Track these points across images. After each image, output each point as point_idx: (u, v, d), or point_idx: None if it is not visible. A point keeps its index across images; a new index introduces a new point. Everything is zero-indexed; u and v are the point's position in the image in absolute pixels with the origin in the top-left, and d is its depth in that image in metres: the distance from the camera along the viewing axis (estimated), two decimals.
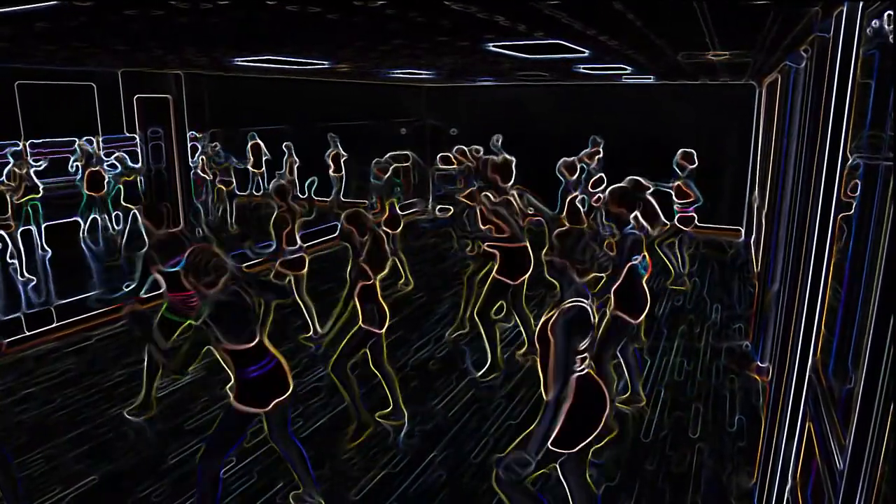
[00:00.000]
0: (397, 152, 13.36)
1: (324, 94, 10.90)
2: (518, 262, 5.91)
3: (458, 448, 4.82)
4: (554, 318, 3.13)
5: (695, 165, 8.14)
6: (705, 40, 4.70)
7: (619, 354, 5.15)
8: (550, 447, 3.15)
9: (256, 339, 3.64)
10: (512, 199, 6.12)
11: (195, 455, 4.71)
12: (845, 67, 2.84)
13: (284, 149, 12.47)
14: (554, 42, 4.81)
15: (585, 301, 3.16)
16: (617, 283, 4.67)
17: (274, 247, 6.54)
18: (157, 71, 7.88)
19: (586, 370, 3.23)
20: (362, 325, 4.79)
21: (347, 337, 4.85)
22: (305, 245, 6.81)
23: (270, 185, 6.68)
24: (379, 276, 4.79)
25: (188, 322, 5.04)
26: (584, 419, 3.23)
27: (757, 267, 8.23)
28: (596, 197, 7.55)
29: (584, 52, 5.55)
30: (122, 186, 9.82)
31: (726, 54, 5.81)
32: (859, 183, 2.78)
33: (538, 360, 3.26)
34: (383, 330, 4.87)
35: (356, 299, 4.74)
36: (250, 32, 4.27)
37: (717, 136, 11.31)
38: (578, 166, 8.02)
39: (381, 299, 4.81)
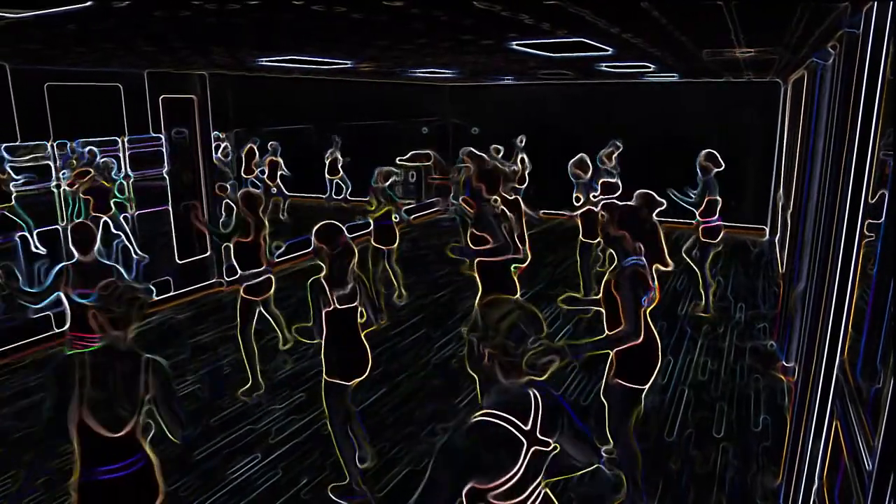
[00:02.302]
0: (419, 151, 13.42)
1: (346, 93, 10.96)
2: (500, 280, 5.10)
3: None
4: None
5: (721, 168, 7.24)
6: (731, 37, 4.66)
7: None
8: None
9: (127, 429, 2.80)
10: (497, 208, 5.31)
11: (221, 451, 4.78)
12: (875, 64, 2.81)
13: (270, 147, 12.50)
14: (577, 40, 4.80)
15: (507, 417, 2.02)
16: (640, 336, 3.57)
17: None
18: (181, 71, 7.98)
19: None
20: (325, 378, 4.05)
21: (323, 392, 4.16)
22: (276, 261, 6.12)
23: (239, 193, 5.75)
24: (349, 305, 3.98)
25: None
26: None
27: (782, 266, 8.14)
28: (600, 204, 5.85)
29: (607, 50, 5.54)
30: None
31: (752, 51, 5.76)
32: (889, 181, 2.75)
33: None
34: (355, 381, 4.12)
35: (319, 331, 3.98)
36: (276, 32, 4.31)
37: (742, 135, 11.20)
38: (590, 165, 7.56)
39: (358, 335, 4.07)
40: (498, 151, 10.81)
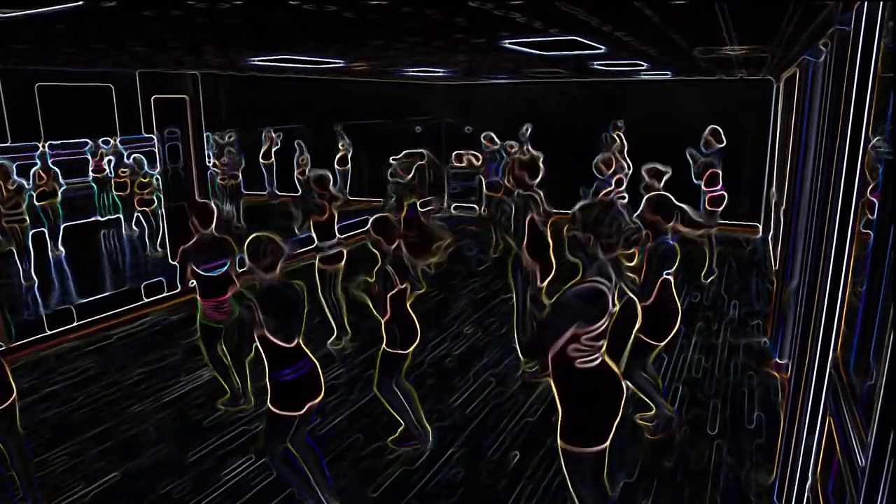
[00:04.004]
0: (413, 150, 13.40)
1: (339, 93, 10.94)
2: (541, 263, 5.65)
3: (476, 445, 4.83)
4: (564, 291, 2.99)
5: (723, 144, 8.22)
6: (722, 35, 4.67)
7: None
8: (572, 448, 3.06)
9: (295, 341, 3.67)
10: (538, 197, 5.77)
11: (215, 452, 4.77)
12: (866, 61, 2.81)
13: (296, 146, 12.57)
14: (570, 38, 4.79)
15: (606, 283, 2.92)
16: (649, 300, 4.42)
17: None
18: (173, 71, 7.94)
19: (600, 359, 3.02)
20: (385, 348, 4.59)
21: (378, 359, 4.66)
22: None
23: (310, 175, 6.46)
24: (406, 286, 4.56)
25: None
26: (600, 413, 3.06)
27: (775, 263, 8.16)
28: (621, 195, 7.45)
29: (600, 49, 5.53)
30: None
31: (744, 49, 5.76)
32: (880, 177, 2.75)
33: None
34: (410, 349, 4.66)
35: (383, 310, 4.50)
36: (267, 31, 4.30)
37: (735, 132, 11.17)
38: (614, 163, 8.01)
39: (409, 311, 4.62)
40: (511, 147, 10.85)
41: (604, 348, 3.01)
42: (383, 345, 4.58)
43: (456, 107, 13.77)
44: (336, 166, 12.98)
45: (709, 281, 8.46)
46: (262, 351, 3.64)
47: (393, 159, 11.27)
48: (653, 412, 4.95)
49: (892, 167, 2.50)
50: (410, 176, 8.01)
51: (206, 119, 8.52)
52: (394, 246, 4.49)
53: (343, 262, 6.45)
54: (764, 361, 6.09)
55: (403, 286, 4.49)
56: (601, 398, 3.09)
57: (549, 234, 5.77)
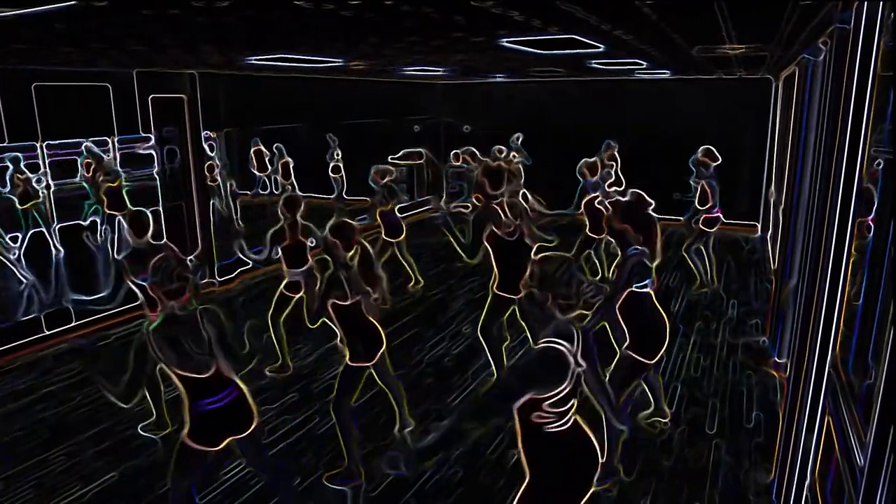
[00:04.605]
0: (411, 150, 13.40)
1: (338, 92, 10.92)
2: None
3: (474, 445, 4.82)
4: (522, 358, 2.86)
5: (718, 162, 7.74)
6: (722, 33, 4.66)
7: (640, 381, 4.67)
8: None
9: (212, 370, 3.34)
10: (499, 207, 5.28)
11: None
12: (866, 59, 2.81)
13: (275, 150, 12.43)
14: (568, 37, 4.79)
15: (565, 344, 2.66)
16: (616, 308, 4.10)
17: (265, 254, 5.92)
18: (171, 71, 7.93)
19: (571, 420, 2.76)
20: (347, 363, 4.33)
21: (339, 375, 4.43)
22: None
23: (280, 196, 5.96)
24: (360, 296, 4.21)
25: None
26: (567, 484, 2.84)
27: (774, 263, 8.16)
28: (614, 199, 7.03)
29: (598, 47, 5.53)
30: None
31: (743, 48, 5.76)
32: (879, 177, 2.75)
33: None
34: (374, 360, 4.39)
35: (334, 322, 4.24)
36: (265, 30, 4.29)
37: (733, 131, 11.22)
38: (599, 168, 7.86)
39: (368, 321, 4.29)
40: (501, 152, 10.80)
41: (573, 410, 2.76)
42: (346, 360, 4.34)
43: (455, 106, 13.77)
44: (331, 174, 12.92)
45: (700, 292, 8.11)
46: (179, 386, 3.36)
47: (391, 158, 11.27)
48: (651, 409, 5.00)
49: (891, 167, 2.50)
50: (385, 181, 7.80)
51: (204, 119, 8.50)
52: (350, 253, 4.21)
53: (301, 292, 5.79)
54: (763, 360, 6.08)
55: (357, 299, 4.18)
56: (569, 467, 2.84)
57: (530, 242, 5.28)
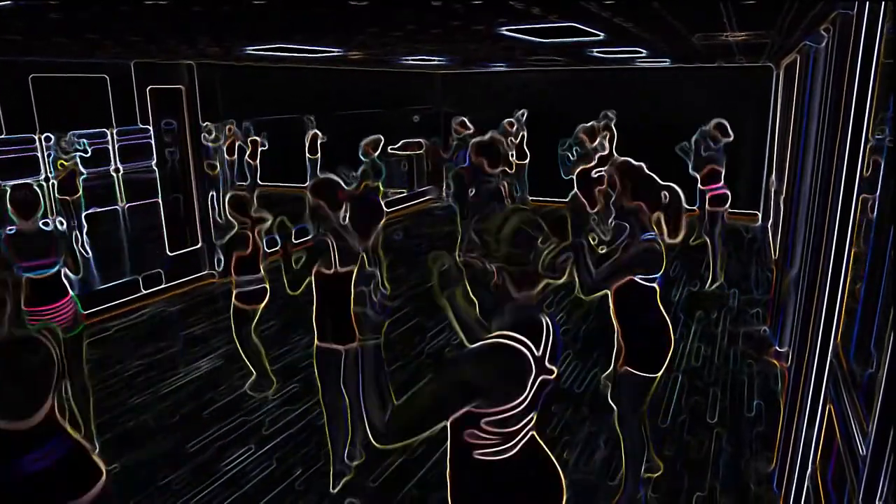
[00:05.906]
0: (410, 140, 13.34)
1: (336, 82, 10.88)
2: None
3: None
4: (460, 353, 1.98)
5: (730, 139, 7.50)
6: (722, 20, 4.63)
7: None
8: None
9: (36, 417, 2.44)
10: (502, 187, 5.32)
11: (214, 443, 4.76)
12: (869, 46, 2.78)
13: (244, 128, 12.31)
14: (568, 25, 4.75)
15: (524, 340, 1.87)
16: (609, 296, 3.44)
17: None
18: (169, 61, 7.89)
19: (516, 451, 1.97)
20: (317, 343, 3.84)
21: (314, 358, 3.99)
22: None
23: (226, 197, 5.26)
24: (350, 268, 3.69)
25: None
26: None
27: (775, 252, 8.14)
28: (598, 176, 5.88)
29: (598, 35, 5.49)
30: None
31: (744, 35, 5.72)
32: (882, 164, 2.73)
33: None
34: (351, 345, 3.80)
35: (317, 297, 3.73)
36: (262, 19, 4.25)
37: (734, 120, 11.07)
38: (599, 137, 7.54)
39: (349, 302, 3.78)
40: (512, 125, 10.72)
41: (523, 435, 1.97)
42: (316, 340, 3.90)
43: (455, 96, 13.70)
44: (307, 155, 12.82)
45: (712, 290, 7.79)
46: None
47: (391, 149, 11.21)
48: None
49: (893, 155, 2.48)
50: (377, 154, 7.54)
51: (203, 109, 8.47)
52: (339, 212, 3.72)
53: (264, 303, 5.34)
54: (764, 350, 6.08)
55: (347, 269, 3.65)
56: (528, 486, 2.06)
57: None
